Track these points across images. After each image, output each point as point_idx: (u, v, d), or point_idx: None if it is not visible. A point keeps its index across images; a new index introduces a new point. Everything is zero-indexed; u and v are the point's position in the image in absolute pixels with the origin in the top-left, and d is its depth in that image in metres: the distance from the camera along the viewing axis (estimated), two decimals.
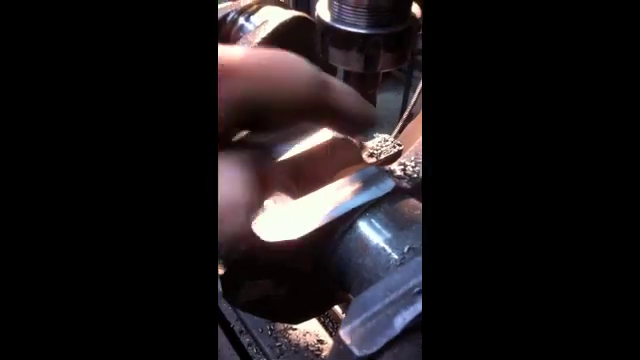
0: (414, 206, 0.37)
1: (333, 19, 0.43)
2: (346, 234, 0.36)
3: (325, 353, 0.60)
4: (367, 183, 0.37)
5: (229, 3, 0.63)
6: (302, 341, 0.61)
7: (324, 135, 0.38)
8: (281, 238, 0.32)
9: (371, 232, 0.35)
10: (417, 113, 0.83)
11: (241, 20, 0.62)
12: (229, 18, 0.62)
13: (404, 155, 0.46)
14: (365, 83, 0.46)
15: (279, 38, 0.58)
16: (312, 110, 0.26)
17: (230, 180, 0.23)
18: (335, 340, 0.26)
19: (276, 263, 0.34)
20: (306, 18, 0.58)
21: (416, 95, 0.83)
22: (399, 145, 0.50)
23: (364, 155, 0.46)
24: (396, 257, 0.34)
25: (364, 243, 0.35)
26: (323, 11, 0.44)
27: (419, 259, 0.31)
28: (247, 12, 0.61)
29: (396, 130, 0.85)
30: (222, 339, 0.63)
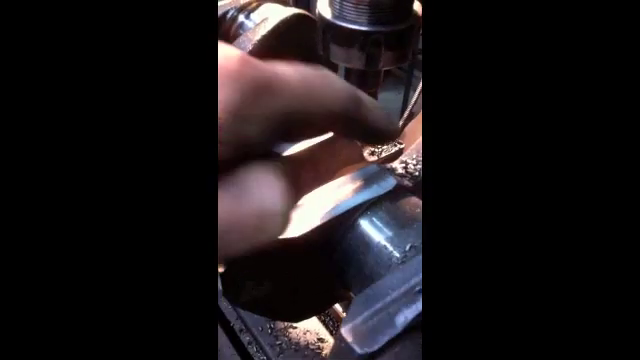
0: (415, 204, 0.37)
1: (334, 16, 0.42)
2: (347, 232, 0.36)
3: (325, 352, 0.60)
4: (368, 181, 0.37)
5: (229, 0, 0.63)
6: (302, 339, 0.61)
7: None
8: (282, 236, 0.32)
9: (372, 230, 0.35)
10: (418, 112, 0.83)
11: (241, 17, 0.61)
12: (229, 15, 0.61)
13: (405, 153, 0.46)
14: (366, 81, 0.46)
15: (279, 36, 0.58)
16: (345, 124, 0.28)
17: (270, 188, 0.23)
18: (336, 338, 0.26)
19: (277, 261, 0.33)
20: (307, 15, 0.58)
21: (416, 94, 0.83)
22: (400, 143, 0.50)
23: (365, 153, 0.46)
24: (398, 255, 0.34)
25: (365, 241, 0.35)
26: (324, 8, 0.44)
27: (420, 257, 0.31)
28: (247, 9, 0.61)
29: None
30: (222, 338, 0.63)
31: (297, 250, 0.33)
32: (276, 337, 0.61)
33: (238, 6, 0.61)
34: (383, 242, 0.34)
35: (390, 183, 0.37)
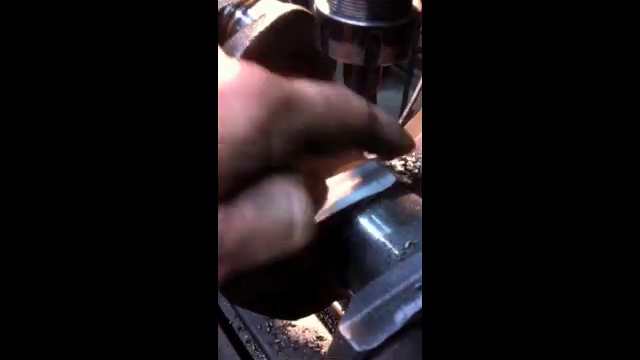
0: (415, 201, 0.37)
1: (332, 11, 0.42)
2: (346, 229, 0.35)
3: (325, 350, 0.60)
4: (367, 178, 0.37)
5: None
6: (301, 337, 0.61)
7: None
8: None
9: (371, 227, 0.35)
10: (417, 110, 0.83)
11: (238, 14, 0.61)
12: (226, 12, 0.61)
13: None
14: (366, 77, 0.46)
15: (277, 32, 0.57)
16: (362, 139, 0.29)
17: (294, 199, 0.24)
18: (335, 335, 0.26)
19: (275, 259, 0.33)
20: (304, 12, 0.57)
21: (416, 93, 0.82)
22: None
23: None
24: (397, 252, 0.33)
25: (364, 238, 0.35)
26: (322, 3, 0.44)
27: (420, 254, 0.31)
28: (244, 5, 0.60)
29: None
30: (221, 336, 0.63)
31: None
32: (275, 335, 0.61)
33: (235, 2, 0.61)
34: (382, 239, 0.34)
35: (389, 180, 0.36)
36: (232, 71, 0.22)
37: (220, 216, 0.22)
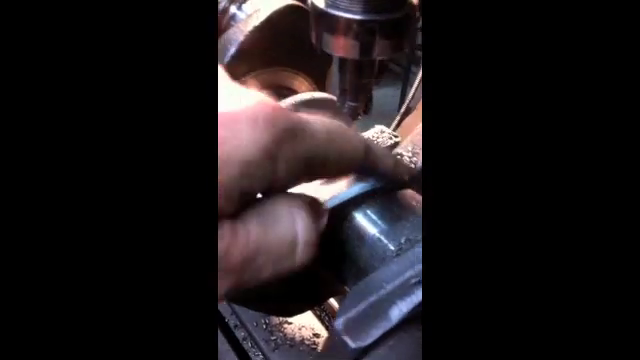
0: (411, 196, 0.37)
1: (327, 5, 0.42)
2: (342, 225, 0.35)
3: (321, 347, 0.59)
4: None
5: None
6: (298, 335, 0.61)
7: None
8: None
9: (367, 223, 0.35)
10: (414, 107, 0.83)
11: (233, 9, 0.60)
12: (220, 7, 0.61)
13: (401, 146, 0.45)
14: (361, 71, 0.45)
15: (272, 27, 0.57)
16: (358, 170, 0.33)
17: (297, 218, 0.26)
18: (330, 332, 0.26)
19: None
20: (299, 6, 0.57)
21: (413, 90, 0.82)
22: (395, 136, 0.49)
23: None
24: (392, 248, 0.33)
25: (360, 234, 0.34)
26: None
27: (416, 250, 0.30)
28: (238, 0, 0.60)
29: (394, 124, 0.85)
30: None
31: None
32: (271, 332, 0.61)
33: None
34: (377, 235, 0.34)
35: None
36: (244, 99, 0.24)
37: (226, 232, 0.23)
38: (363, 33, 0.41)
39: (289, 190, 0.29)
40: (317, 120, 0.28)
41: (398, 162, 0.36)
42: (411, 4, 0.44)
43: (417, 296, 0.26)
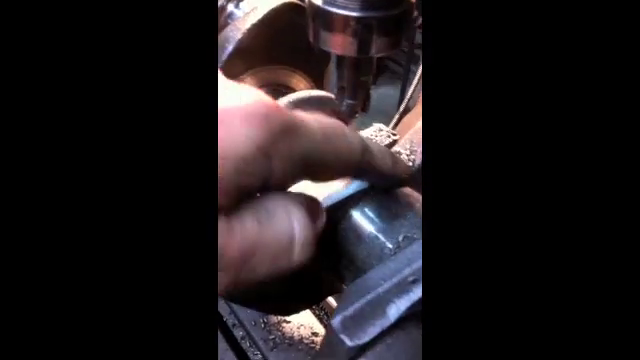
0: (409, 194, 0.36)
1: (324, 2, 0.41)
2: (339, 223, 0.35)
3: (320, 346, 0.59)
4: None
5: None
6: (296, 334, 0.61)
7: None
8: None
9: (364, 221, 0.34)
10: (413, 106, 0.83)
11: (230, 7, 0.60)
12: (218, 5, 0.60)
13: (399, 143, 0.45)
14: (359, 68, 0.45)
15: (269, 25, 0.57)
16: (355, 169, 0.32)
17: (295, 216, 0.26)
18: (327, 330, 0.26)
19: None
20: (297, 4, 0.57)
21: (412, 89, 0.82)
22: (394, 135, 0.49)
23: None
24: (390, 246, 0.33)
25: (357, 232, 0.34)
26: None
27: (413, 248, 0.30)
28: None
29: (393, 122, 0.85)
30: None
31: None
32: (269, 331, 0.61)
33: None
34: (375, 233, 0.34)
35: None
36: (240, 96, 0.24)
37: (222, 228, 0.23)
38: (361, 30, 0.40)
39: (288, 189, 0.29)
40: (314, 119, 0.27)
41: (396, 161, 0.35)
42: (408, 1, 0.43)
43: (415, 294, 0.26)
